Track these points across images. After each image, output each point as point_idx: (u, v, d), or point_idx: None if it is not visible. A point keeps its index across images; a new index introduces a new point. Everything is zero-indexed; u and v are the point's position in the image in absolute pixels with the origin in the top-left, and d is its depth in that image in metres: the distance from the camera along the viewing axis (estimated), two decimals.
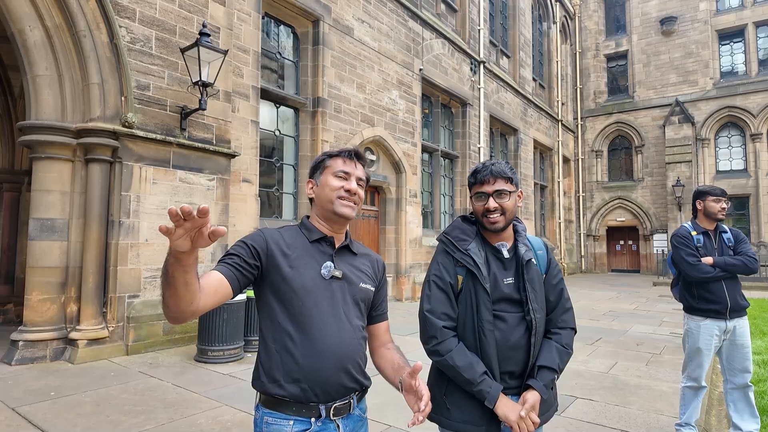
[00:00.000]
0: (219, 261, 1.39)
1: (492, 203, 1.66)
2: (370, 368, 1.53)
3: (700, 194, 3.36)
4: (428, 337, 1.67)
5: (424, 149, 12.38)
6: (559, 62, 20.91)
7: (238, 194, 7.22)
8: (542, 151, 19.96)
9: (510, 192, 1.68)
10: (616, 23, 22.49)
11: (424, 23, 11.90)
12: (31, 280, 5.42)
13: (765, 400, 4.20)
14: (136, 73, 5.84)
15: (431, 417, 1.71)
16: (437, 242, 1.79)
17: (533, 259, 1.73)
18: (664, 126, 20.03)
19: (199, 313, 1.25)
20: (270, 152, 8.61)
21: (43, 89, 5.47)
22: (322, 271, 1.43)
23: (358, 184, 1.52)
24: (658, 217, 20.41)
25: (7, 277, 8.25)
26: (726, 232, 3.38)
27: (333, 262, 1.46)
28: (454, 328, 1.68)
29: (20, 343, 5.16)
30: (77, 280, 5.53)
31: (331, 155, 1.54)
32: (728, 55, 20.00)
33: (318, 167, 1.55)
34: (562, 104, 21.35)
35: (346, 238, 1.57)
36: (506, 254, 1.72)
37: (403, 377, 1.39)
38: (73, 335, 5.32)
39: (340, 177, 1.49)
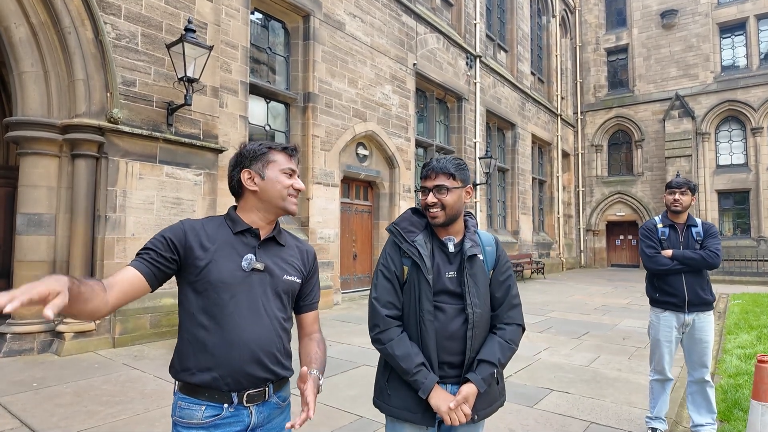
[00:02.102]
0: (136, 254, 1.40)
1: (431, 198, 1.71)
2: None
3: (665, 187, 3.39)
4: (372, 324, 1.72)
5: (419, 144, 12.39)
6: (558, 56, 20.81)
7: (226, 189, 7.25)
8: (541, 146, 19.90)
9: (450, 188, 1.70)
10: (616, 17, 22.32)
11: (418, 17, 11.88)
12: (19, 273, 5.50)
13: (739, 393, 4.22)
14: (122, 69, 5.89)
15: (374, 401, 1.79)
16: (389, 233, 1.81)
17: (479, 255, 1.76)
18: (664, 120, 19.92)
19: (114, 310, 1.32)
20: None
21: (29, 85, 5.53)
22: (243, 263, 1.43)
23: None
24: (658, 211, 20.30)
25: (2, 272, 8.36)
26: (696, 225, 3.35)
27: (255, 254, 1.46)
28: (398, 317, 1.72)
29: (8, 336, 5.25)
30: (64, 273, 5.59)
31: (274, 148, 1.51)
32: (729, 49, 19.82)
33: (259, 158, 1.49)
34: (562, 99, 21.26)
35: (275, 229, 1.55)
36: (452, 248, 1.75)
37: (297, 380, 1.44)
38: (60, 328, 5.41)
39: (288, 174, 1.49)
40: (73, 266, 5.57)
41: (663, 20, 20.53)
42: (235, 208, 1.54)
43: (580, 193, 22.18)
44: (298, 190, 1.52)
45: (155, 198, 6.17)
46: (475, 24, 14.39)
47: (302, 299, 1.62)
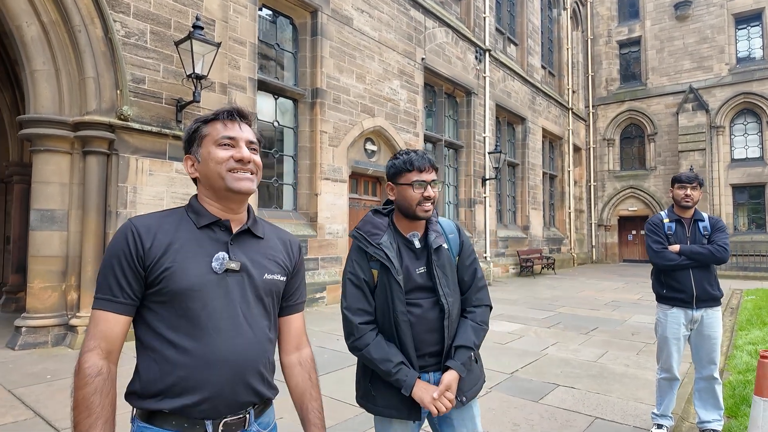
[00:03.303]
0: (101, 296, 1.15)
1: (431, 191, 1.71)
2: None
3: (672, 181, 3.34)
4: (347, 333, 1.72)
5: (427, 139, 12.36)
6: (569, 49, 20.57)
7: None
8: (552, 140, 19.74)
9: (439, 183, 1.77)
10: (629, 8, 21.99)
11: (427, 12, 11.82)
12: (32, 268, 5.62)
13: (748, 390, 4.18)
14: (131, 66, 5.96)
15: (360, 403, 1.80)
16: (353, 239, 1.78)
17: (444, 245, 1.79)
18: (677, 113, 19.63)
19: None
20: (270, 144, 8.70)
21: (40, 83, 5.63)
22: (213, 264, 1.19)
23: (251, 149, 1.25)
24: None
25: (18, 267, 8.53)
26: (703, 220, 3.30)
27: (228, 251, 1.22)
28: (372, 322, 1.73)
29: (23, 329, 5.37)
30: (77, 268, 5.72)
31: (206, 120, 1.26)
32: (745, 40, 19.44)
33: (193, 139, 1.26)
34: (573, 92, 21.04)
35: (248, 218, 1.31)
36: (417, 244, 1.77)
37: None
38: (73, 322, 5.52)
39: (226, 145, 1.22)
40: (85, 261, 5.67)
41: (676, 12, 20.20)
42: (197, 197, 1.30)
43: (592, 187, 21.97)
44: (242, 160, 1.22)
45: (165, 194, 6.25)
46: (485, 17, 14.28)
47: (286, 299, 1.38)
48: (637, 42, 21.55)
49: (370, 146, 10.35)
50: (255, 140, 1.28)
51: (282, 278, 1.32)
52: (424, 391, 1.65)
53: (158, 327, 1.16)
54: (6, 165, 9.17)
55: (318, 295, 8.58)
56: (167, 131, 6.21)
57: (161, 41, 6.26)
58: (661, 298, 3.34)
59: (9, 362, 4.82)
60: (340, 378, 4.50)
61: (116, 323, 1.14)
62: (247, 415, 1.22)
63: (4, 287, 8.63)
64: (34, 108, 5.62)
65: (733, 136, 19.37)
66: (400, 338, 1.69)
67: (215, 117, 1.26)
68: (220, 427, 1.17)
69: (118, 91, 5.83)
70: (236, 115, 1.27)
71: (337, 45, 9.26)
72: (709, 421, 3.24)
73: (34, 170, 5.71)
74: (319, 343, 5.89)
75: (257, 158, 1.28)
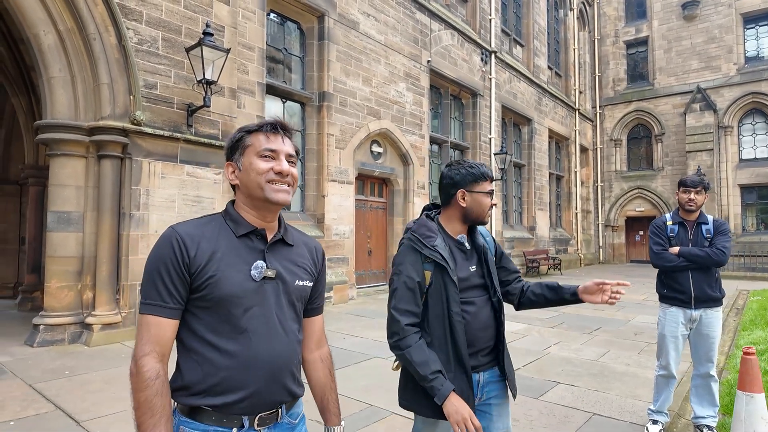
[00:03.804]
0: (151, 301, 1.21)
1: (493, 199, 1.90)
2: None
3: (678, 184, 3.40)
4: (391, 332, 1.77)
5: (433, 141, 12.48)
6: (576, 50, 20.59)
7: None
8: (558, 141, 19.77)
9: None
10: (636, 8, 21.95)
11: (432, 14, 11.95)
12: (50, 268, 5.82)
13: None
14: (143, 72, 6.15)
15: (406, 405, 1.85)
16: (406, 241, 1.85)
17: (486, 245, 1.93)
18: (684, 114, 19.57)
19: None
20: None
21: (57, 90, 5.82)
22: (252, 272, 1.26)
23: (289, 162, 1.32)
24: None
25: (34, 267, 8.77)
26: (707, 223, 3.37)
27: (265, 259, 1.29)
28: (417, 324, 1.77)
29: (41, 327, 5.57)
30: (92, 268, 5.90)
31: (250, 131, 1.32)
32: (753, 40, 19.35)
33: (236, 147, 1.32)
34: (580, 93, 21.05)
35: (279, 226, 1.38)
36: (467, 246, 1.88)
37: None
38: (89, 320, 5.71)
39: (267, 157, 1.28)
40: (100, 261, 5.86)
41: (684, 11, 20.14)
42: (233, 203, 1.37)
43: (599, 188, 21.95)
44: (282, 173, 1.28)
45: (177, 196, 6.43)
46: (490, 19, 14.37)
47: (311, 302, 1.46)
48: (644, 42, 21.51)
49: (376, 148, 10.49)
50: (294, 153, 1.34)
51: (310, 284, 1.40)
52: (454, 408, 1.66)
53: (201, 330, 1.23)
54: (21, 168, 9.41)
55: (325, 295, 8.71)
56: (179, 135, 6.39)
57: (172, 47, 6.44)
58: (662, 298, 3.44)
59: (28, 359, 5.01)
60: (345, 375, 4.65)
61: (167, 327, 1.21)
62: (280, 410, 1.31)
63: (20, 287, 8.86)
64: (50, 113, 5.81)
65: (741, 137, 19.28)
66: (454, 338, 1.74)
67: (259, 128, 1.31)
68: (256, 421, 1.26)
69: (131, 97, 6.01)
70: (279, 128, 1.32)
71: (343, 49, 9.41)
72: (704, 417, 3.33)
73: (50, 174, 5.90)
74: None
75: (294, 171, 1.34)
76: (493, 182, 1.89)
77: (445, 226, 1.87)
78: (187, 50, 6.37)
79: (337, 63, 9.25)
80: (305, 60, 9.24)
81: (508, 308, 1.96)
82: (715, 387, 3.34)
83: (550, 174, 18.67)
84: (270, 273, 1.28)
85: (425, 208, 1.99)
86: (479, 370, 1.81)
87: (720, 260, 3.22)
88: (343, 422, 1.50)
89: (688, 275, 3.28)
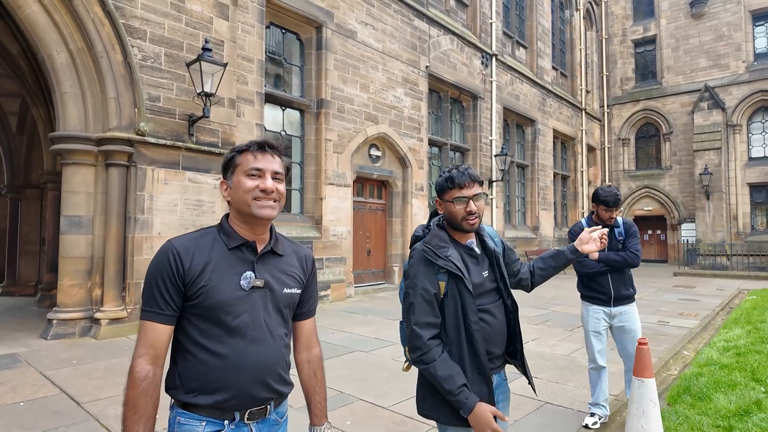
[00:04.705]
0: (148, 308, 1.35)
1: (473, 206, 1.78)
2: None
3: (595, 198, 3.58)
4: (413, 347, 1.75)
5: (433, 143, 12.81)
6: (582, 50, 20.65)
7: None
8: (564, 141, 19.87)
9: (484, 195, 1.86)
10: (644, 7, 21.89)
11: (431, 21, 12.27)
12: (62, 268, 6.35)
13: (694, 381, 4.52)
14: (147, 86, 6.64)
15: (426, 413, 1.85)
16: (419, 251, 1.81)
17: (497, 249, 1.94)
18: (692, 112, 19.50)
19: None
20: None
21: (69, 104, 6.35)
22: (242, 282, 1.38)
23: (275, 179, 1.42)
24: (687, 206, 19.96)
25: (52, 266, 9.37)
26: (618, 226, 3.65)
27: (254, 270, 1.41)
28: (437, 336, 1.77)
29: (54, 322, 6.10)
30: (100, 268, 6.42)
31: (240, 150, 1.43)
32: (763, 37, 19.16)
33: (228, 166, 1.44)
34: (587, 92, 21.10)
35: (271, 237, 1.49)
36: (477, 251, 1.87)
37: None
38: (97, 315, 6.22)
39: (254, 176, 1.39)
40: (108, 261, 6.37)
41: (692, 9, 20.05)
42: (227, 217, 1.49)
43: None
44: (266, 191, 1.39)
45: (179, 201, 6.91)
46: (491, 23, 14.62)
47: (300, 306, 1.57)
48: (652, 41, 21.45)
49: (374, 152, 10.87)
50: (281, 170, 1.44)
51: (298, 291, 1.52)
52: (481, 422, 1.69)
53: (195, 334, 1.35)
54: (41, 173, 10.06)
55: (323, 293, 9.15)
56: (180, 144, 6.87)
57: (174, 62, 6.92)
58: (583, 297, 3.77)
59: (42, 350, 5.54)
60: (327, 366, 5.00)
61: (162, 332, 1.33)
62: (268, 406, 1.43)
63: (40, 285, 9.49)
64: (63, 126, 6.34)
65: (750, 135, 19.13)
66: (473, 347, 1.75)
67: (247, 148, 1.43)
68: (246, 415, 1.39)
69: (136, 109, 6.51)
70: (267, 147, 1.43)
71: (341, 57, 9.81)
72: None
73: (63, 181, 6.44)
74: None
75: (281, 187, 1.44)
76: (468, 187, 1.79)
77: (452, 234, 1.86)
78: (188, 65, 6.84)
79: (334, 71, 9.66)
80: (304, 69, 9.67)
81: None
82: None
83: (555, 174, 18.80)
84: (258, 282, 1.40)
85: (432, 215, 1.97)
86: (493, 372, 1.83)
87: (634, 263, 3.55)
88: (327, 422, 1.59)
89: (607, 277, 3.59)
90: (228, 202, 1.45)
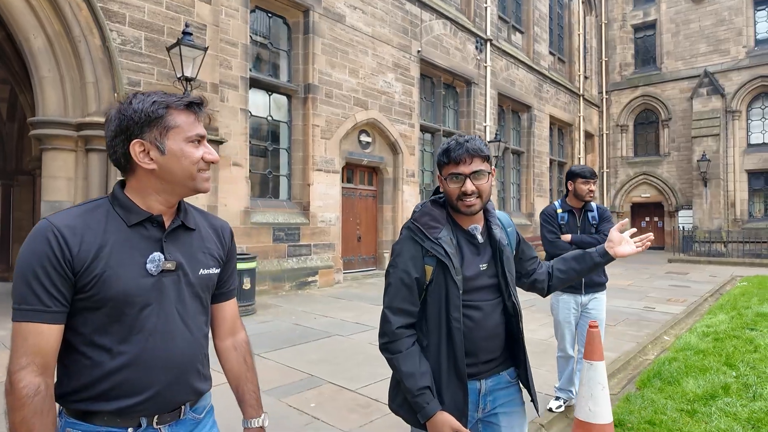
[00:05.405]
0: (27, 306, 1.05)
1: (469, 186, 1.51)
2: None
3: (571, 175, 3.55)
4: (381, 332, 1.57)
5: (426, 129, 12.72)
6: (581, 35, 20.38)
7: (228, 177, 7.93)
8: (561, 127, 19.72)
9: (487, 173, 1.55)
10: None
11: (423, 5, 12.10)
12: None
13: (666, 366, 4.51)
14: (127, 71, 6.59)
15: (396, 411, 1.64)
16: (406, 230, 1.61)
17: (504, 239, 1.66)
18: (691, 98, 19.28)
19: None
20: (267, 137, 9.28)
21: (47, 89, 6.31)
22: (149, 266, 1.13)
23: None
24: (684, 193, 19.84)
25: None
26: (592, 210, 3.58)
27: (163, 250, 1.16)
28: (411, 326, 1.57)
29: None
30: None
31: (173, 106, 1.15)
32: (764, 21, 18.85)
33: (154, 124, 1.13)
34: (585, 78, 20.87)
35: (179, 210, 1.23)
36: (480, 239, 1.61)
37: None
38: None
39: (196, 142, 1.16)
40: None
41: None
42: (122, 185, 1.19)
43: (605, 174, 21.83)
44: (210, 163, 1.19)
45: None
46: (486, 7, 14.42)
47: (219, 287, 1.34)
48: (652, 26, 21.14)
49: (364, 138, 10.81)
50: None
51: (216, 270, 1.29)
52: (438, 429, 1.48)
53: (88, 332, 1.10)
54: (29, 160, 10.06)
55: (310, 279, 9.17)
56: None
57: (155, 47, 6.85)
58: None
59: None
60: (301, 350, 5.06)
61: (50, 334, 1.05)
62: (183, 407, 1.21)
63: None
64: (42, 111, 6.31)
65: (750, 121, 18.93)
66: (452, 347, 1.53)
67: (187, 105, 1.17)
68: (155, 420, 1.16)
69: (116, 94, 6.46)
70: (200, 107, 1.19)
71: (329, 41, 9.71)
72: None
73: (43, 166, 6.42)
74: (297, 321, 6.48)
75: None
76: (465, 163, 1.52)
77: (454, 214, 1.62)
78: (168, 49, 6.78)
79: (322, 56, 9.56)
80: (291, 53, 9.58)
81: None
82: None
83: (552, 161, 18.69)
84: (169, 265, 1.15)
85: (435, 191, 1.69)
86: (480, 377, 1.59)
87: None
88: (264, 414, 1.38)
89: None
90: (145, 169, 1.13)
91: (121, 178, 1.20)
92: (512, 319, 1.62)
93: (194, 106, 1.18)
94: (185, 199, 1.26)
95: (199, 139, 1.17)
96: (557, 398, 3.72)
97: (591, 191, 3.50)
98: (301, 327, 6.14)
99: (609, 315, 7.24)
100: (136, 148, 1.13)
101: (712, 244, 17.75)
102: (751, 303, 7.73)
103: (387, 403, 1.69)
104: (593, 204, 3.63)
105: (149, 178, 1.15)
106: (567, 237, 3.52)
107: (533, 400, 1.68)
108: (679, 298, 8.95)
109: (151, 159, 1.13)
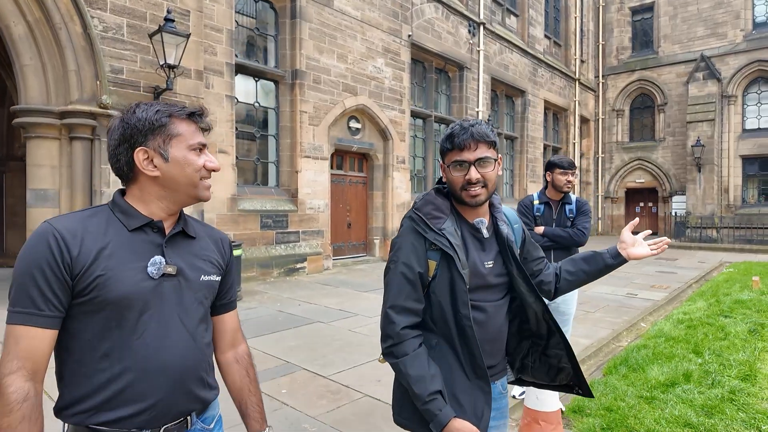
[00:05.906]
0: (21, 309, 1.04)
1: (474, 174, 1.42)
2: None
3: (550, 165, 3.51)
4: (384, 335, 1.44)
5: (417, 115, 12.69)
6: (577, 18, 20.16)
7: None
8: (556, 112, 19.64)
9: (494, 160, 1.45)
10: None
11: None
12: None
13: (634, 353, 4.60)
14: (109, 58, 6.57)
15: (404, 424, 1.51)
16: (407, 221, 1.50)
17: (511, 235, 1.55)
18: (688, 83, 19.16)
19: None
20: (255, 124, 9.28)
21: (29, 77, 6.31)
22: (150, 269, 1.13)
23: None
24: (678, 178, 19.85)
25: None
26: (570, 203, 3.53)
27: (164, 255, 1.16)
28: (417, 325, 1.45)
29: None
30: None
31: (176, 115, 1.18)
32: (762, 4, 18.62)
33: (157, 132, 1.15)
34: (582, 62, 20.70)
35: (180, 218, 1.25)
36: (485, 233, 1.51)
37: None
38: None
39: (197, 151, 1.19)
40: None
41: None
42: (122, 193, 1.21)
43: (600, 159, 21.81)
44: (212, 171, 1.21)
45: None
46: None
47: (220, 297, 1.33)
48: (650, 8, 20.89)
49: (354, 124, 10.79)
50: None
51: (217, 278, 1.29)
52: None
53: (87, 338, 1.09)
54: (19, 146, 10.06)
55: (299, 266, 9.26)
56: None
57: (137, 33, 6.82)
58: None
59: None
60: (281, 337, 5.17)
61: (42, 338, 1.04)
62: (189, 418, 1.19)
63: None
64: (24, 99, 6.32)
65: (746, 106, 18.84)
66: (466, 344, 1.43)
67: (189, 115, 1.20)
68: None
69: (98, 82, 6.46)
70: (201, 117, 1.23)
71: (316, 26, 9.63)
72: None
73: (27, 154, 6.45)
74: (281, 307, 6.58)
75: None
76: (470, 149, 1.42)
77: (458, 206, 1.52)
78: (150, 36, 6.75)
79: (309, 41, 9.50)
80: (278, 39, 9.52)
81: None
82: None
83: (546, 146, 18.65)
84: (170, 269, 1.15)
85: (438, 181, 1.58)
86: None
87: (580, 241, 3.39)
88: (268, 427, 1.35)
89: (551, 254, 3.42)
90: (149, 176, 1.15)
91: (121, 188, 1.22)
92: (516, 321, 1.56)
93: (195, 116, 1.21)
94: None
95: (200, 148, 1.20)
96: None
97: (569, 182, 3.44)
98: (284, 314, 6.24)
99: (590, 301, 7.42)
100: (140, 155, 1.15)
101: (705, 230, 17.84)
102: (732, 290, 7.82)
103: (392, 415, 1.56)
104: (572, 196, 3.57)
105: (152, 186, 1.18)
106: (540, 229, 3.47)
107: (583, 394, 1.58)
108: (663, 285, 9.05)
109: (155, 166, 1.16)
